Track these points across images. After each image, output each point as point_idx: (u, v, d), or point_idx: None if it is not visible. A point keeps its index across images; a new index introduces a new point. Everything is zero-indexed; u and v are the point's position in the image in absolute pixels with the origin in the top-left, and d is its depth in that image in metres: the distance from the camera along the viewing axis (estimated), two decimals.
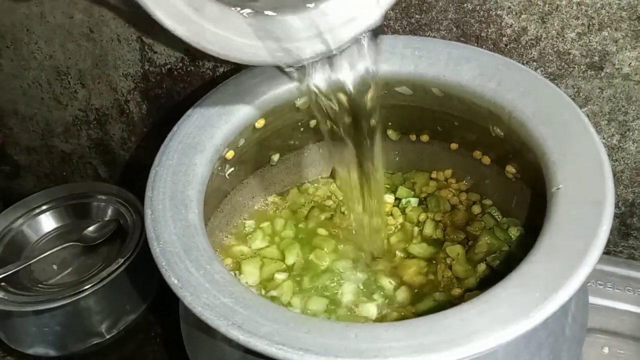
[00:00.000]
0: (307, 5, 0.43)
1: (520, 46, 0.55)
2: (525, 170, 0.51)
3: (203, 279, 0.38)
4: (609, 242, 0.66)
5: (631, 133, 0.57)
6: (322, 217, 0.58)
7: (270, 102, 0.52)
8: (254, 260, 0.53)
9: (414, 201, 0.58)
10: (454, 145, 0.58)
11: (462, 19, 0.55)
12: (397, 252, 0.55)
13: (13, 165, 0.85)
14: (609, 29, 0.51)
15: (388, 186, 0.60)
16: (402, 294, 0.51)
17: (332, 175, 0.62)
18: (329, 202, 0.60)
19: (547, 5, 0.52)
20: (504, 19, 0.54)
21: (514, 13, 0.53)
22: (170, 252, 0.39)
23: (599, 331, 0.58)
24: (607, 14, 0.51)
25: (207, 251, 0.40)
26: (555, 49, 0.54)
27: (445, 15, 0.55)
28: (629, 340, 0.57)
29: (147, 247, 0.41)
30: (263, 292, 0.52)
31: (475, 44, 0.56)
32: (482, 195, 0.58)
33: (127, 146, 0.78)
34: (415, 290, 0.51)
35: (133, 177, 0.80)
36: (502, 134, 0.50)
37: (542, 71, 0.56)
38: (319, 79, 0.46)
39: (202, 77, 0.67)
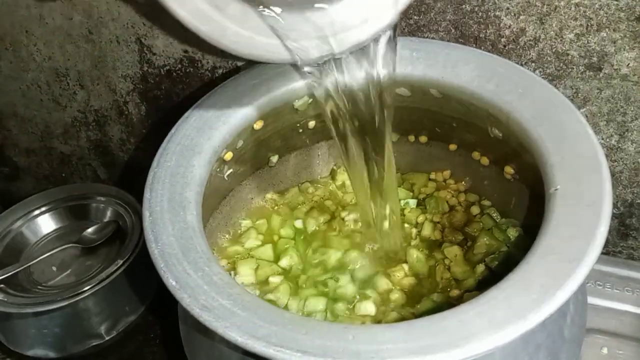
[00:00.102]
0: (322, 4, 0.43)
1: (518, 47, 0.55)
2: (524, 171, 0.51)
3: (201, 280, 0.38)
4: (607, 242, 0.66)
5: (630, 133, 0.57)
6: (322, 218, 0.58)
7: (269, 104, 0.52)
8: (250, 261, 0.53)
9: (412, 202, 0.58)
10: (452, 146, 0.58)
11: (461, 20, 0.55)
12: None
13: (12, 167, 0.86)
14: (607, 29, 0.51)
15: None
16: (396, 294, 0.51)
17: (332, 175, 0.62)
18: (329, 203, 0.60)
19: (545, 6, 0.52)
20: (502, 20, 0.54)
21: (512, 14, 0.53)
22: (169, 254, 0.39)
23: (598, 332, 0.58)
24: (605, 15, 0.51)
25: (206, 253, 0.40)
26: (553, 50, 0.54)
27: (444, 16, 0.55)
28: (628, 341, 0.57)
29: (146, 248, 0.40)
30: (259, 292, 0.52)
31: (474, 45, 0.56)
32: (481, 196, 0.58)
33: (126, 147, 0.78)
34: (412, 291, 0.51)
35: (132, 178, 0.80)
36: (500, 135, 0.50)
37: (540, 72, 0.56)
38: (333, 79, 0.46)
39: (201, 78, 0.67)
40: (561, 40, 0.53)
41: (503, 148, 0.50)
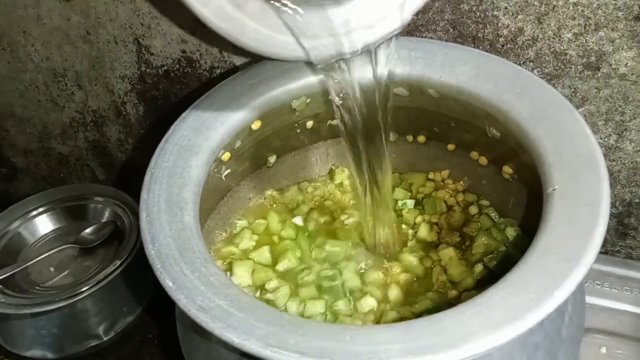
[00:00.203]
0: (336, 3, 0.44)
1: (516, 47, 0.55)
2: (522, 170, 0.51)
3: (198, 281, 0.38)
4: (606, 241, 0.66)
5: (628, 133, 0.57)
6: (322, 220, 0.58)
7: (267, 104, 0.52)
8: (246, 263, 0.53)
9: (410, 203, 0.58)
10: (450, 146, 0.58)
11: (459, 20, 0.55)
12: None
13: (10, 168, 0.85)
14: (605, 29, 0.51)
15: None
16: (394, 291, 0.51)
17: (330, 175, 0.62)
18: (328, 203, 0.60)
19: (543, 6, 0.52)
20: (500, 19, 0.54)
21: (510, 14, 0.53)
22: (166, 255, 0.39)
23: (597, 331, 0.58)
24: (603, 14, 0.51)
25: (203, 253, 0.40)
26: (551, 50, 0.54)
27: (442, 16, 0.55)
28: (627, 340, 0.57)
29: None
30: (258, 294, 0.52)
31: (472, 45, 0.56)
32: (479, 196, 0.58)
33: (124, 148, 0.78)
34: (410, 289, 0.51)
35: (130, 178, 0.80)
36: (498, 134, 0.50)
37: (538, 72, 0.56)
38: (346, 77, 0.47)
39: (198, 78, 0.67)
40: (559, 39, 0.53)
41: (501, 148, 0.50)
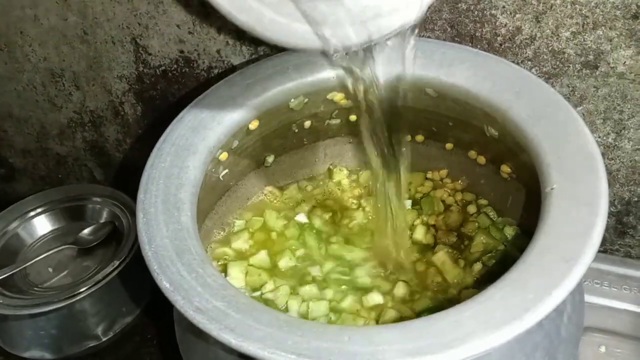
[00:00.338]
0: None
1: (514, 46, 0.55)
2: (520, 170, 0.51)
3: (195, 282, 0.38)
4: (605, 240, 0.66)
5: (626, 131, 0.57)
6: (326, 216, 0.57)
7: (264, 104, 0.52)
8: (241, 264, 0.53)
9: (408, 203, 0.58)
10: (449, 145, 0.58)
11: (457, 19, 0.55)
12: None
13: (8, 168, 0.85)
14: (603, 27, 0.51)
15: None
16: (400, 290, 0.51)
17: (329, 175, 0.62)
18: (330, 202, 0.60)
19: (541, 5, 0.52)
20: (498, 18, 0.54)
21: (508, 12, 0.53)
22: (162, 256, 0.39)
23: (596, 330, 0.58)
24: (601, 13, 0.50)
25: (200, 254, 0.40)
26: (549, 48, 0.54)
27: (440, 15, 0.55)
28: (626, 339, 0.57)
29: None
30: (258, 294, 0.52)
31: (470, 44, 0.56)
32: (478, 195, 0.57)
33: (122, 148, 0.78)
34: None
35: (128, 179, 0.80)
36: (496, 134, 0.49)
37: (537, 70, 0.56)
38: (366, 70, 0.46)
39: (196, 78, 0.67)
40: (557, 38, 0.53)
41: (499, 147, 0.50)
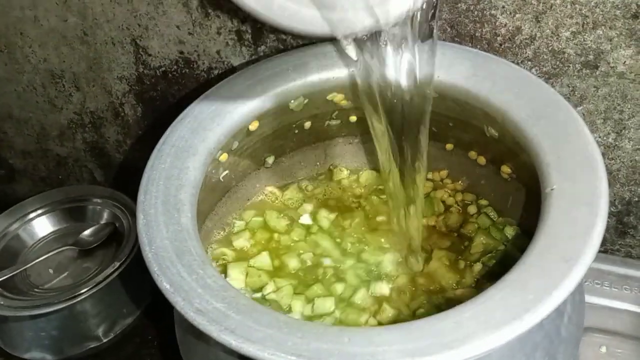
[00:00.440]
0: None
1: (514, 46, 0.55)
2: (520, 170, 0.51)
3: (195, 283, 0.38)
4: (605, 240, 0.66)
5: (627, 131, 0.57)
6: (332, 216, 0.57)
7: (264, 105, 0.51)
8: (241, 264, 0.53)
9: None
10: (449, 146, 0.57)
11: (456, 19, 0.55)
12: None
13: (8, 169, 0.85)
14: (603, 27, 0.51)
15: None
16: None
17: (329, 175, 0.62)
18: (331, 202, 0.60)
19: (541, 5, 0.52)
20: (498, 18, 0.54)
21: (508, 12, 0.53)
22: (163, 257, 0.39)
23: (597, 330, 0.58)
24: (601, 13, 0.50)
25: (200, 255, 0.40)
26: (549, 48, 0.54)
27: (439, 15, 0.55)
28: (627, 339, 0.57)
29: None
30: (259, 295, 0.51)
31: (470, 44, 0.56)
32: (478, 196, 0.57)
33: (122, 149, 0.78)
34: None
35: (128, 179, 0.80)
36: (496, 134, 0.49)
37: (537, 70, 0.56)
38: (375, 61, 0.46)
39: (196, 79, 0.67)
40: (557, 38, 0.53)
41: (500, 147, 0.50)
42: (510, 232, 0.53)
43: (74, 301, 0.61)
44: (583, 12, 0.51)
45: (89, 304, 0.62)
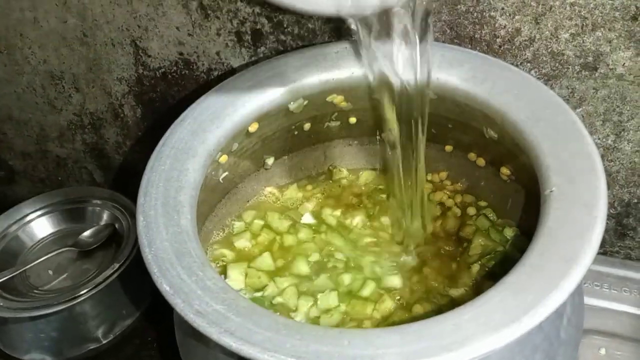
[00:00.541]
0: None
1: (514, 47, 0.55)
2: (520, 171, 0.51)
3: (195, 285, 0.38)
4: (605, 242, 0.66)
5: (626, 133, 0.57)
6: (337, 212, 0.57)
7: (264, 106, 0.51)
8: (240, 265, 0.52)
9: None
10: (448, 147, 0.58)
11: (456, 21, 0.55)
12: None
13: (7, 170, 0.85)
14: (602, 29, 0.51)
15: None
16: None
17: (329, 176, 0.62)
18: (331, 202, 0.60)
19: (540, 6, 0.52)
20: (497, 20, 0.54)
21: (507, 14, 0.53)
22: (162, 259, 0.39)
23: (596, 332, 0.58)
24: (600, 15, 0.50)
25: (200, 257, 0.40)
26: (549, 50, 0.54)
27: (439, 16, 0.55)
28: (626, 341, 0.57)
29: None
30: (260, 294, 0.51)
31: (469, 46, 0.56)
32: (477, 197, 0.57)
33: (122, 150, 0.78)
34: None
35: (128, 181, 0.80)
36: (496, 136, 0.49)
37: (536, 72, 0.56)
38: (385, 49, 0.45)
39: (196, 80, 0.67)
40: (556, 40, 0.53)
41: (499, 149, 0.50)
42: (509, 233, 0.53)
43: (74, 302, 0.61)
44: (582, 13, 0.51)
45: (89, 306, 0.62)
